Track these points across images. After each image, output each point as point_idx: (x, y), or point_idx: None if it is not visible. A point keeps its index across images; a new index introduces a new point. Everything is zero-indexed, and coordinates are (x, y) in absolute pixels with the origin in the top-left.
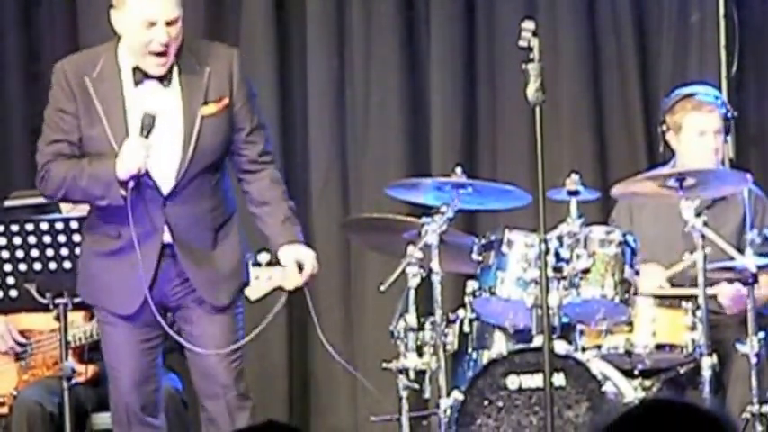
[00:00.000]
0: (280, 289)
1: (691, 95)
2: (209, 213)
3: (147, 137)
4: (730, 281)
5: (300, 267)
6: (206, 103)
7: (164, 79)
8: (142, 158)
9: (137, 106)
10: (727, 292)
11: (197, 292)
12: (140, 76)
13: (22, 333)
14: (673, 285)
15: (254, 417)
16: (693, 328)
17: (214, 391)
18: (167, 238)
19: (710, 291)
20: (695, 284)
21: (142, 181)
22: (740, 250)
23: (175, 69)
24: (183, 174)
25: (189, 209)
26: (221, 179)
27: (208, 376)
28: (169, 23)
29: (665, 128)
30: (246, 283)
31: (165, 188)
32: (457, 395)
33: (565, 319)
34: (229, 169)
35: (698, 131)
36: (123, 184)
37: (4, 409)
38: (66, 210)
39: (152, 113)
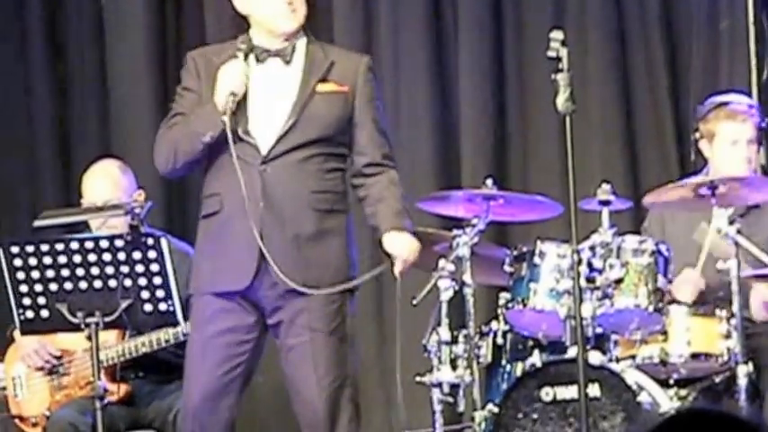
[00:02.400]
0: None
1: (724, 104)
2: (311, 194)
3: (244, 59)
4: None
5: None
6: (324, 80)
7: (285, 56)
8: (238, 78)
9: (258, 81)
10: (756, 299)
11: (273, 273)
12: (264, 54)
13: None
14: (708, 289)
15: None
16: (728, 336)
17: (313, 423)
18: (262, 207)
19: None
20: (730, 294)
21: (234, 136)
22: None
23: (300, 51)
24: (282, 134)
25: (288, 180)
26: (335, 172)
27: (303, 406)
28: None
29: (698, 136)
30: (352, 293)
31: (265, 148)
32: (491, 408)
33: (599, 330)
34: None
35: (731, 140)
36: (224, 112)
37: (38, 430)
38: (96, 227)
39: (247, 38)
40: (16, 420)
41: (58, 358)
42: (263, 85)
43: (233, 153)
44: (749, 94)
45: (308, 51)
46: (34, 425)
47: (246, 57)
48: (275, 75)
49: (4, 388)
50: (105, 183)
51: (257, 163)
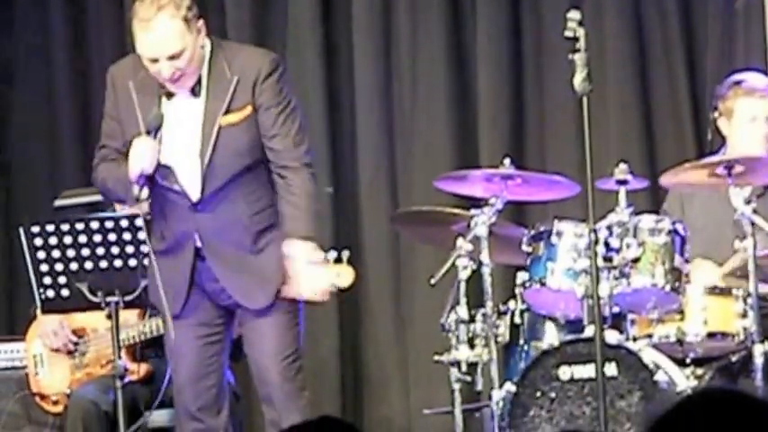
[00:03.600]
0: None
1: (742, 81)
2: (247, 218)
3: (153, 136)
4: None
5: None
6: (228, 111)
7: (194, 89)
8: (148, 158)
9: (169, 116)
10: None
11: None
12: (157, 114)
13: (75, 332)
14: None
15: (307, 413)
16: (745, 315)
17: (269, 394)
18: (199, 243)
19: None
20: (747, 275)
21: (164, 182)
22: None
23: (204, 79)
24: (204, 181)
25: (220, 216)
26: (264, 184)
27: (262, 380)
28: (172, 57)
29: (716, 114)
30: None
31: (194, 196)
32: (509, 387)
33: (616, 309)
34: None
35: (749, 117)
36: (137, 185)
37: (59, 408)
38: (119, 207)
39: (159, 113)
40: (37, 398)
41: (80, 337)
42: (174, 127)
43: (152, 223)
44: (765, 73)
45: (211, 73)
46: (55, 403)
47: (155, 134)
48: (186, 111)
49: (26, 366)
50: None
51: (188, 205)
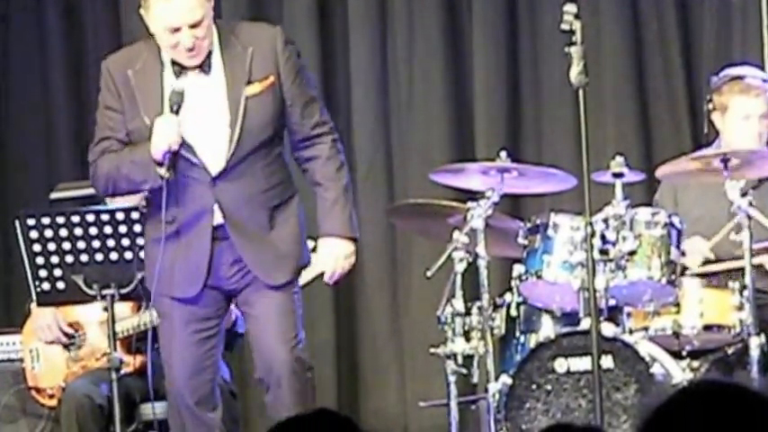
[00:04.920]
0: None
1: (739, 78)
2: (262, 193)
3: (176, 113)
4: None
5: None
6: (250, 82)
7: (203, 67)
8: (173, 135)
9: (185, 99)
10: None
11: (252, 273)
12: (179, 68)
13: (71, 325)
14: (717, 258)
15: (313, 396)
16: (741, 307)
17: (273, 376)
18: (218, 219)
19: (756, 260)
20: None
21: (181, 160)
22: None
23: (216, 54)
24: (231, 154)
25: (240, 188)
26: (277, 159)
27: (266, 361)
28: (193, 26)
29: (710, 107)
30: (306, 265)
31: (215, 169)
32: (505, 379)
33: (612, 302)
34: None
35: (743, 115)
36: (160, 164)
37: (54, 401)
38: (110, 200)
39: (179, 90)
40: (32, 392)
41: (75, 331)
42: (191, 103)
43: (164, 200)
44: (762, 67)
45: (222, 48)
46: (50, 396)
47: (178, 111)
48: (199, 87)
49: (22, 360)
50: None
51: (207, 180)
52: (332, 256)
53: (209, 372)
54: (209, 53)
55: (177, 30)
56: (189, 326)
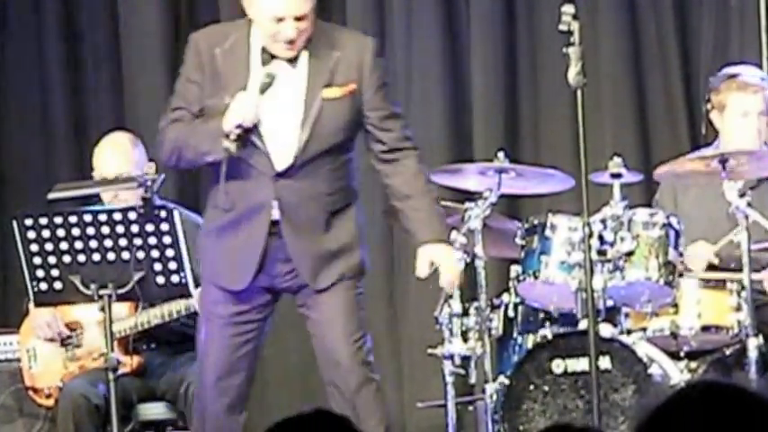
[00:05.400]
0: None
1: (736, 76)
2: (325, 196)
3: (261, 93)
4: None
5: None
6: (329, 85)
7: (291, 60)
8: (249, 111)
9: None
10: None
11: (300, 275)
12: (267, 56)
13: (68, 325)
14: (721, 262)
15: (379, 398)
16: (739, 308)
17: (339, 377)
18: (276, 214)
19: (756, 276)
20: (742, 267)
21: (250, 147)
22: None
23: (304, 51)
24: (298, 154)
25: (302, 187)
26: (345, 165)
27: (330, 362)
28: (298, 18)
29: (709, 106)
30: (362, 271)
31: (280, 165)
32: (502, 380)
33: (609, 303)
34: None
35: (741, 112)
36: (228, 137)
37: (51, 401)
38: (108, 200)
39: (273, 73)
40: (30, 392)
41: (72, 330)
42: (271, 92)
43: (222, 178)
44: (760, 67)
45: (312, 46)
46: (47, 396)
47: (264, 91)
48: (281, 79)
49: (19, 360)
50: (116, 155)
51: (271, 174)
52: (444, 260)
53: (242, 376)
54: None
55: (281, 20)
56: (228, 328)
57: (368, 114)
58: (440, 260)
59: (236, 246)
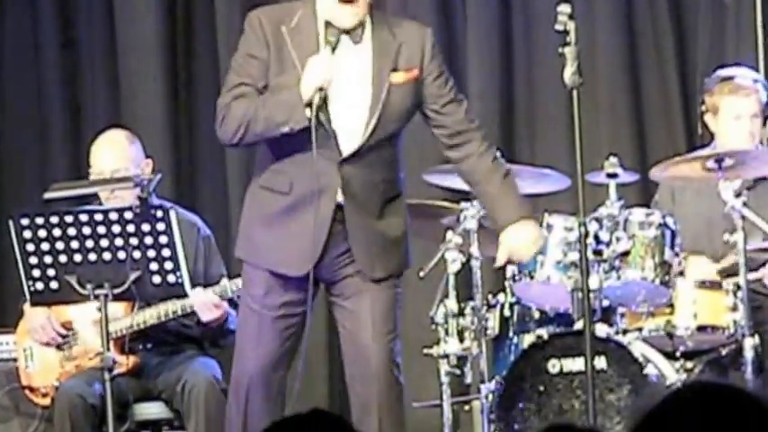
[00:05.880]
0: None
1: (729, 78)
2: (381, 183)
3: (333, 52)
4: None
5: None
6: (395, 69)
7: (355, 36)
8: (326, 71)
9: (334, 67)
10: None
11: (356, 262)
12: (335, 33)
13: (64, 325)
14: (721, 278)
15: (401, 402)
16: (735, 308)
17: (367, 374)
18: (340, 197)
19: (755, 275)
20: (736, 269)
21: (316, 128)
22: None
23: (368, 30)
24: (366, 139)
25: (365, 173)
26: (397, 153)
27: (360, 357)
28: None
29: (704, 108)
30: (407, 265)
31: (347, 149)
32: (498, 380)
33: (605, 303)
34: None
35: (734, 115)
36: (308, 105)
37: (47, 400)
38: (105, 198)
39: (336, 32)
40: (26, 391)
41: (68, 329)
42: (338, 71)
43: (314, 149)
44: (755, 68)
45: (374, 30)
46: (44, 395)
47: (334, 50)
48: (346, 57)
49: (14, 360)
50: (113, 152)
51: (336, 158)
52: (527, 240)
53: (285, 369)
54: (362, 26)
55: None
56: (279, 320)
57: (429, 101)
58: (516, 242)
59: (296, 231)
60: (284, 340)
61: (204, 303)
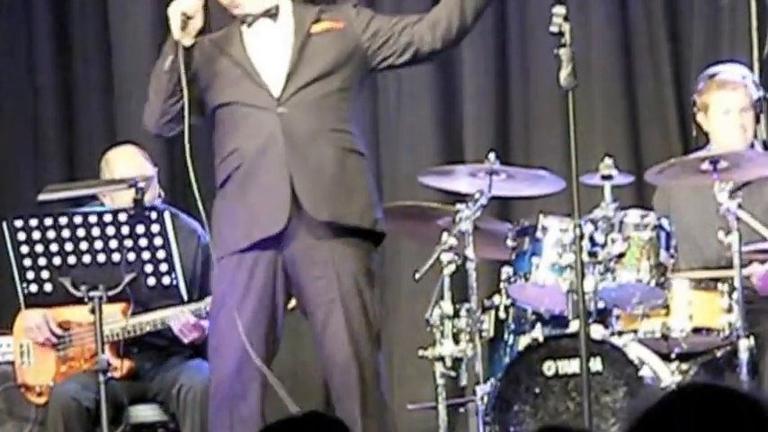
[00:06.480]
0: None
1: (716, 75)
2: (331, 131)
3: None
4: (763, 262)
5: None
6: (318, 21)
7: (270, 15)
8: (187, 2)
9: (252, 42)
10: (759, 273)
11: (304, 204)
12: (250, 18)
13: (60, 325)
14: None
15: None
16: (730, 310)
17: (344, 389)
18: (283, 144)
19: (744, 271)
20: (730, 266)
21: (246, 83)
22: None
23: (287, 9)
24: (290, 72)
25: (307, 119)
26: (349, 109)
27: (338, 373)
28: None
29: (695, 109)
30: (371, 225)
31: (277, 91)
32: (493, 382)
33: (601, 304)
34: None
35: (723, 110)
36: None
37: (43, 399)
38: (107, 204)
39: None
40: (21, 389)
41: (65, 330)
42: (257, 43)
43: (182, 79)
44: (750, 68)
45: (293, 8)
46: (39, 394)
47: None
48: (267, 31)
49: (9, 362)
50: (133, 162)
51: (273, 106)
52: None
53: (264, 358)
54: (277, 7)
55: None
56: (253, 295)
57: (375, 39)
58: None
59: (261, 193)
60: (262, 331)
61: (183, 325)
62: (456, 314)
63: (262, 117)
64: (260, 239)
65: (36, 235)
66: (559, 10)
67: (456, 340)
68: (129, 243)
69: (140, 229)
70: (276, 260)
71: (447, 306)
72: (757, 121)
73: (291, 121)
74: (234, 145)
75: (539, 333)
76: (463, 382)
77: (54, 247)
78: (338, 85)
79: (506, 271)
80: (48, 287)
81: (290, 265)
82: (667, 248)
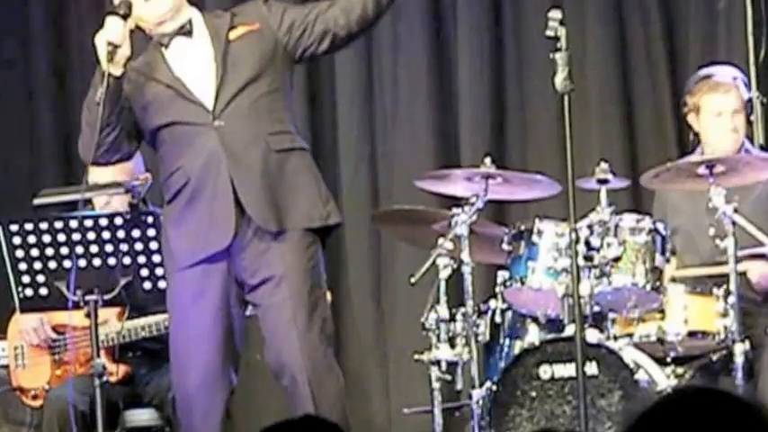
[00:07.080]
0: None
1: (708, 77)
2: (269, 135)
3: (122, 18)
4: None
5: None
6: (233, 27)
7: (184, 32)
8: (117, 31)
9: (174, 60)
10: (756, 268)
11: (252, 217)
12: (165, 39)
13: (56, 328)
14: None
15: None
16: (725, 314)
17: (289, 364)
18: (224, 155)
19: (739, 267)
20: (726, 262)
21: (178, 102)
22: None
23: (198, 20)
24: (219, 84)
25: (243, 127)
26: (282, 110)
27: (281, 350)
28: None
29: (686, 110)
30: (324, 219)
31: (209, 103)
32: (489, 386)
33: (596, 308)
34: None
35: (715, 112)
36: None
37: (38, 402)
38: (100, 206)
39: (131, 4)
40: (17, 392)
41: (60, 334)
42: (181, 61)
43: (101, 102)
44: (748, 74)
45: (204, 18)
46: (34, 397)
47: (126, 17)
48: (187, 48)
49: (4, 366)
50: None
51: (209, 121)
52: None
53: (229, 376)
54: (190, 21)
55: None
56: (207, 308)
57: (292, 33)
58: None
59: (208, 207)
60: (220, 340)
61: None
62: (452, 318)
63: (201, 133)
64: (209, 254)
65: (32, 239)
66: (555, 14)
67: (452, 344)
68: (124, 247)
69: (136, 232)
70: (227, 271)
71: (443, 310)
72: (748, 121)
73: (229, 133)
74: (178, 163)
75: (534, 337)
76: (459, 386)
77: (49, 251)
78: (267, 87)
79: (502, 275)
80: (43, 291)
81: (242, 274)
82: (663, 252)
